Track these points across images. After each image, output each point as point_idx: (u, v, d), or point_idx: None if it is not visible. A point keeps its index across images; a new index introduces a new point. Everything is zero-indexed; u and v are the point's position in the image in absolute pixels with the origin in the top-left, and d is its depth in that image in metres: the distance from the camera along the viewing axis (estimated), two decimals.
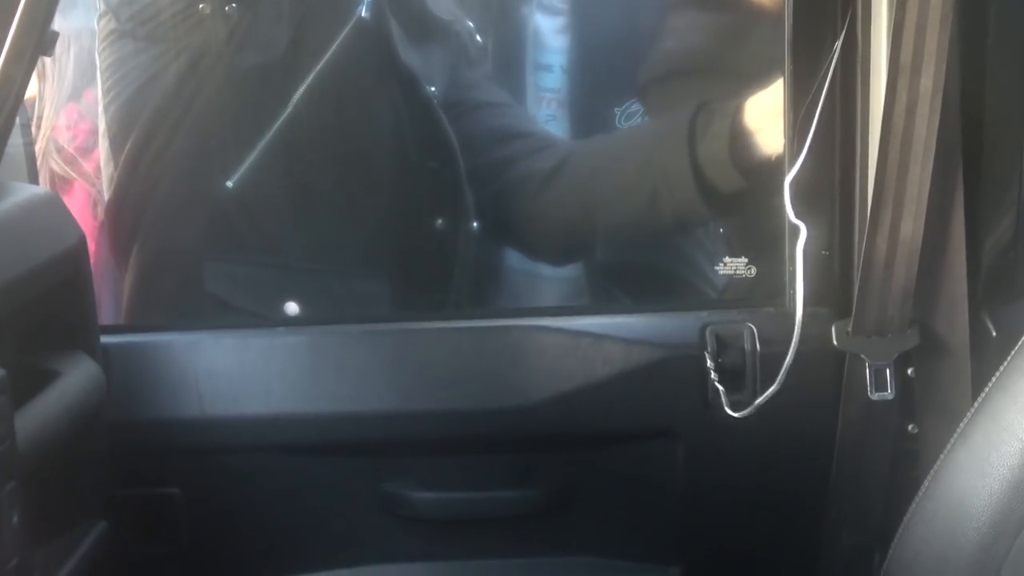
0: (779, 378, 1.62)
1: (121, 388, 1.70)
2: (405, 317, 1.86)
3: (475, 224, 2.00)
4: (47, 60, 2.01)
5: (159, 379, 1.74)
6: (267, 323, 1.84)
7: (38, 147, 2.06)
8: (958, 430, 1.36)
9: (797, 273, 1.63)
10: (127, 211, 1.96)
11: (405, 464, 1.80)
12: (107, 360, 1.67)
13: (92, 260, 1.93)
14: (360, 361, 1.76)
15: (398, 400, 1.75)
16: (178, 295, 1.96)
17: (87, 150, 2.05)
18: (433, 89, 1.98)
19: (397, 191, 1.98)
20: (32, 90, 2.07)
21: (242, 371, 1.75)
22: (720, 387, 1.72)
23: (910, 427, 1.70)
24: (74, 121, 2.06)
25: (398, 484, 1.80)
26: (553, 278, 2.12)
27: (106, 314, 1.97)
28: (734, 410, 1.70)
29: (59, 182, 2.07)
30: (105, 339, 1.68)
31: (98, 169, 2.01)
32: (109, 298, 2.01)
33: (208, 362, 1.75)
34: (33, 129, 2.06)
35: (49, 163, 2.07)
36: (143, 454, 1.73)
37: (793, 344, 1.62)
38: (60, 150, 2.06)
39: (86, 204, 2.06)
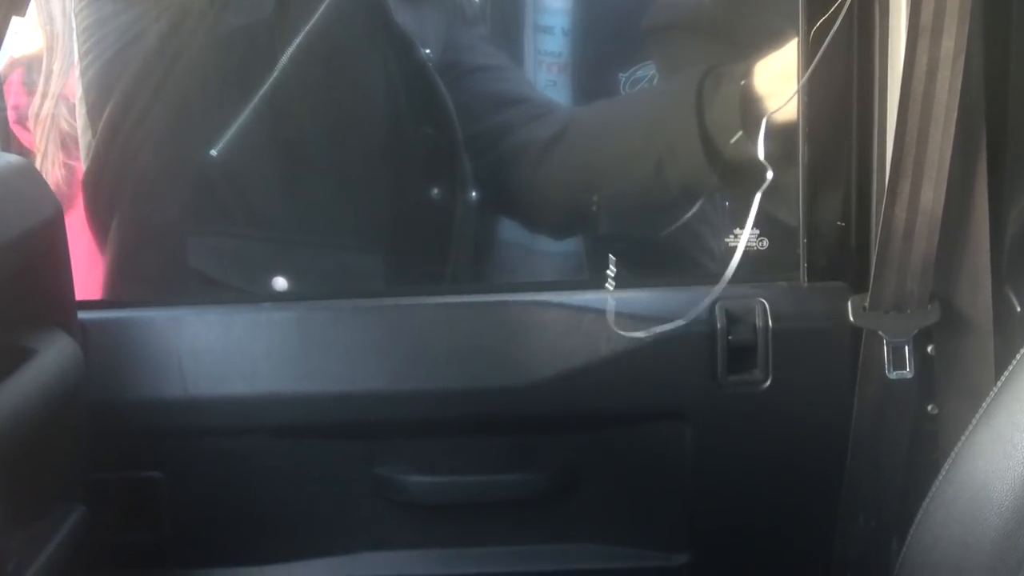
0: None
1: (100, 367, 1.70)
2: (399, 292, 1.86)
3: (472, 194, 2.00)
4: (56, 17, 2.02)
5: (140, 357, 1.74)
6: (253, 298, 1.83)
7: (46, 108, 2.06)
8: (980, 410, 1.36)
9: (750, 217, 1.63)
10: (106, 181, 1.95)
11: (399, 446, 1.80)
12: (85, 337, 1.67)
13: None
14: (351, 338, 1.75)
15: (391, 379, 1.75)
16: (160, 270, 1.95)
17: None
18: (428, 51, 1.97)
19: (390, 159, 1.97)
20: (39, 47, 2.07)
21: (227, 349, 1.74)
22: (730, 365, 1.72)
23: (930, 407, 1.70)
24: None
25: (391, 467, 1.80)
26: (554, 252, 2.12)
27: (84, 289, 1.97)
28: (745, 389, 1.70)
29: (70, 143, 2.07)
30: (83, 315, 1.68)
31: None
32: (88, 272, 2.01)
33: (191, 339, 1.74)
34: (41, 87, 2.06)
35: (60, 124, 2.07)
36: (123, 436, 1.73)
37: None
38: (72, 109, 2.06)
39: None
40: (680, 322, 1.67)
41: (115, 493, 1.75)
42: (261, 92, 1.87)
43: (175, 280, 1.94)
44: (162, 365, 1.74)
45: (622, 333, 1.71)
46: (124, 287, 1.95)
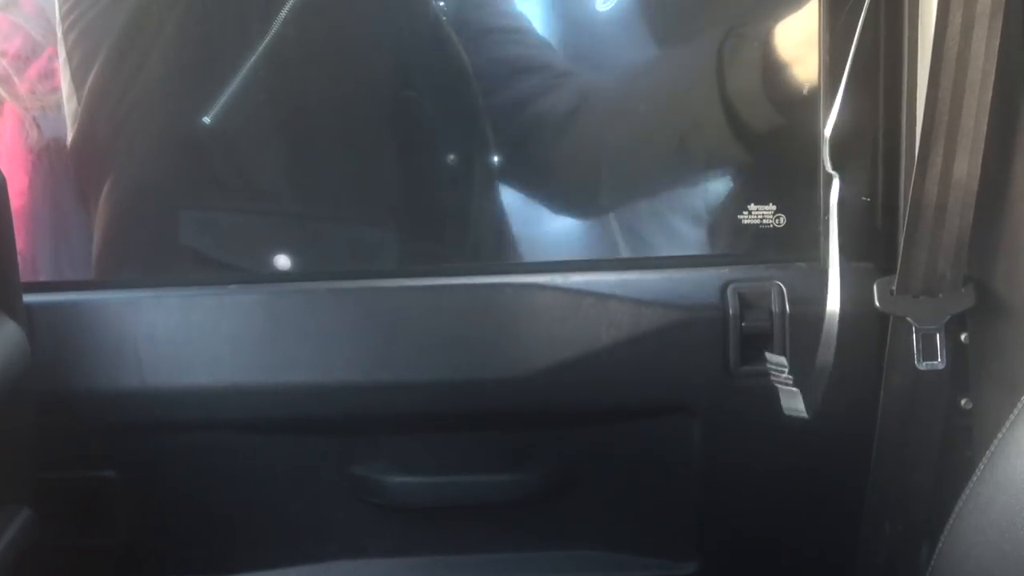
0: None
1: (48, 355, 1.70)
2: (377, 274, 1.85)
3: (483, 168, 1.99)
4: None
5: (92, 344, 1.74)
6: (218, 280, 1.82)
7: None
8: (1019, 404, 1.35)
9: (831, 227, 1.62)
10: (93, 152, 1.95)
11: (378, 444, 1.81)
12: (32, 322, 1.67)
13: (23, 204, 1.93)
14: (325, 324, 1.75)
15: (369, 369, 1.75)
16: (149, 246, 1.95)
17: (20, 68, 2.04)
18: (442, 4, 1.96)
19: (396, 126, 1.96)
20: None
21: (188, 335, 1.74)
22: (743, 354, 1.72)
23: (963, 401, 1.69)
24: (4, 34, 2.05)
25: (370, 467, 1.81)
26: (559, 230, 2.11)
27: (31, 269, 1.97)
28: (759, 381, 1.70)
29: None
30: (29, 298, 1.68)
31: (32, 91, 2.00)
32: (36, 251, 2.00)
33: (149, 325, 1.74)
34: None
35: None
36: (74, 431, 1.74)
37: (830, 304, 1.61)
38: None
39: (17, 133, 2.05)
40: (689, 306, 1.67)
41: (65, 494, 1.75)
42: (258, 51, 1.86)
43: (164, 257, 1.93)
44: (117, 353, 1.74)
45: (625, 319, 1.71)
46: (111, 265, 1.94)
